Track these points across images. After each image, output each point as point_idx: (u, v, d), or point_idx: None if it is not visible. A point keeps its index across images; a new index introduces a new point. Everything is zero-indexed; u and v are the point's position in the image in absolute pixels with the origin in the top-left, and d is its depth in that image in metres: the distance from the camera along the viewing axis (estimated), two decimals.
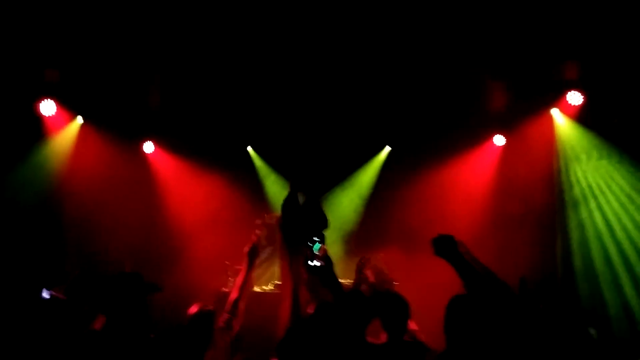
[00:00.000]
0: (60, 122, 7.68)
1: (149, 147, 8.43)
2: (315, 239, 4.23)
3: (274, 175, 8.84)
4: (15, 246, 6.83)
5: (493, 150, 8.39)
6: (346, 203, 8.75)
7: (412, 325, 3.98)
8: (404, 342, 3.64)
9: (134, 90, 7.62)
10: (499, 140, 8.32)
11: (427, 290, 6.04)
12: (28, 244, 7.02)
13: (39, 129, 7.50)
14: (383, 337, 3.66)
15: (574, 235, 7.66)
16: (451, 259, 2.99)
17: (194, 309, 3.87)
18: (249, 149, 8.88)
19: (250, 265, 4.27)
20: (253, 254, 4.26)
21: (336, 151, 8.37)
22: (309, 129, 8.21)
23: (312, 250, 3.71)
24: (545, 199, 7.88)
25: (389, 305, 3.70)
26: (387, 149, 8.80)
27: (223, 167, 8.29)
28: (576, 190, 7.74)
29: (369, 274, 4.75)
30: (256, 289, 6.95)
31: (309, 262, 3.62)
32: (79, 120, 7.84)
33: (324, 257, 3.66)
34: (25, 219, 7.20)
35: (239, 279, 4.17)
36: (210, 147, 8.29)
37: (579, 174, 7.77)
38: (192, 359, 3.37)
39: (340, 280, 6.73)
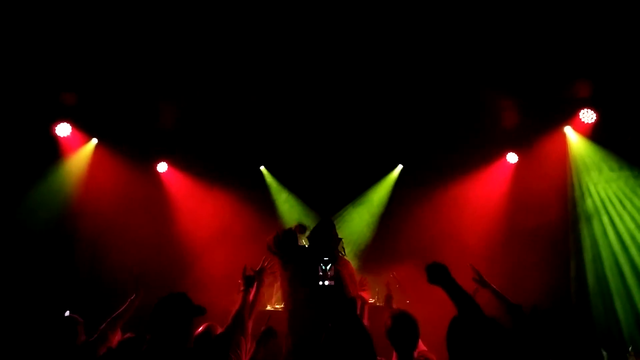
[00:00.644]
0: (75, 143, 7.83)
1: (162, 167, 8.52)
2: (326, 258, 4.24)
3: (286, 193, 8.88)
4: (30, 264, 6.92)
5: (506, 167, 8.37)
6: (358, 220, 8.76)
7: (422, 346, 3.98)
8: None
9: (148, 112, 7.74)
10: (512, 157, 8.30)
11: (439, 309, 6.00)
12: (42, 262, 7.12)
13: (55, 149, 7.64)
14: (393, 357, 3.67)
15: (587, 251, 7.59)
16: (445, 286, 3.02)
17: (201, 329, 3.90)
18: (262, 168, 8.93)
19: (259, 286, 4.29)
20: (258, 277, 4.28)
21: (348, 169, 8.39)
22: (321, 147, 8.25)
23: (324, 270, 3.71)
24: (558, 215, 7.83)
25: (399, 325, 3.70)
26: (400, 167, 8.81)
27: (235, 185, 8.36)
28: (589, 205, 7.69)
29: (365, 295, 4.76)
30: (269, 307, 6.94)
31: (320, 282, 3.62)
32: (94, 141, 7.98)
33: (335, 276, 3.67)
34: (40, 237, 7.30)
35: (248, 298, 4.18)
36: (222, 166, 8.36)
37: (592, 188, 7.72)
38: None
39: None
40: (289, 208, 8.86)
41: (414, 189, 8.33)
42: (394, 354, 3.73)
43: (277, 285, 7.26)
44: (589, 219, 7.70)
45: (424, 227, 8.09)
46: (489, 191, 8.34)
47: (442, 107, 7.66)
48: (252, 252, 7.59)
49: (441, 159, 8.18)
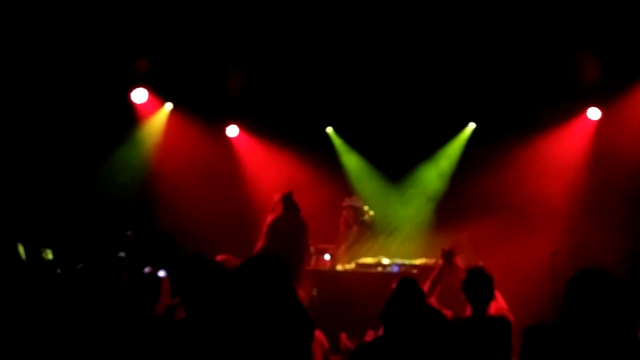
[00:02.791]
0: (151, 108, 8.09)
1: (232, 130, 8.67)
2: None
3: (355, 155, 8.85)
4: (114, 225, 7.28)
5: (587, 124, 7.97)
6: (431, 179, 8.61)
7: (502, 303, 3.94)
8: (489, 317, 3.63)
9: (218, 76, 7.87)
10: (594, 113, 7.88)
11: (513, 271, 5.88)
12: (125, 224, 7.47)
13: (132, 115, 7.92)
14: (467, 311, 3.68)
15: None
16: None
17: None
18: (329, 129, 8.92)
19: None
20: None
21: (418, 129, 8.22)
22: (389, 106, 8.11)
23: None
24: None
25: (473, 278, 3.70)
26: (472, 125, 8.56)
27: (304, 147, 8.39)
28: None
29: (459, 262, 4.72)
30: (339, 267, 7.01)
31: None
32: (169, 106, 8.21)
33: None
34: (123, 200, 7.67)
35: None
36: (290, 129, 8.40)
37: None
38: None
39: (422, 260, 6.75)
40: (358, 170, 8.83)
41: (488, 148, 8.07)
42: (468, 308, 3.73)
43: (345, 245, 7.35)
44: None
45: (498, 187, 7.85)
46: (568, 149, 7.96)
47: (517, 60, 7.34)
48: (321, 215, 7.71)
49: (516, 116, 7.86)
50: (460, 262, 4.77)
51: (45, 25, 6.50)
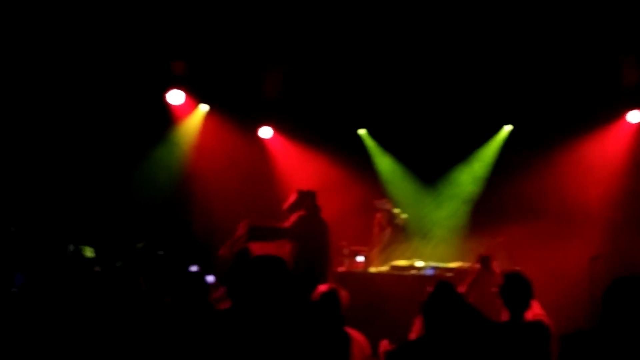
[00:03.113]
0: (187, 109, 8.20)
1: (266, 132, 8.75)
2: None
3: (388, 157, 8.82)
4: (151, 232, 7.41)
5: (627, 127, 7.77)
6: (466, 182, 8.51)
7: (538, 309, 3.89)
8: (527, 322, 3.58)
9: (252, 78, 7.94)
10: (634, 116, 7.68)
11: (550, 277, 5.77)
12: (163, 223, 7.60)
13: (168, 117, 8.06)
14: (504, 316, 3.63)
15: None
16: None
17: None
18: (362, 131, 8.91)
19: None
20: None
21: (453, 131, 8.15)
22: (424, 107, 8.05)
23: None
24: None
25: (511, 282, 3.68)
26: (508, 127, 8.45)
27: (337, 149, 8.40)
28: None
29: (496, 266, 4.67)
30: (372, 269, 7.00)
31: None
32: (204, 107, 8.32)
33: None
34: (159, 200, 7.80)
35: None
36: (324, 130, 8.42)
37: None
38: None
39: (457, 263, 6.70)
40: (391, 172, 8.79)
41: (525, 150, 7.95)
42: (505, 314, 3.68)
43: (379, 247, 7.33)
44: None
45: (535, 191, 7.73)
46: (608, 153, 7.78)
47: (554, 63, 7.21)
48: (353, 217, 7.71)
49: (554, 119, 7.73)
50: (497, 267, 4.73)
51: (83, 27, 6.63)
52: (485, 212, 8.10)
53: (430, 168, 8.46)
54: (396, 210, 7.49)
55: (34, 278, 4.93)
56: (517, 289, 3.64)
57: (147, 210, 7.65)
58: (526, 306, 3.64)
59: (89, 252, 5.29)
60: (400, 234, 7.40)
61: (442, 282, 3.46)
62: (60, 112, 7.33)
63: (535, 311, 3.81)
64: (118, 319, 3.32)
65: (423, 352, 2.58)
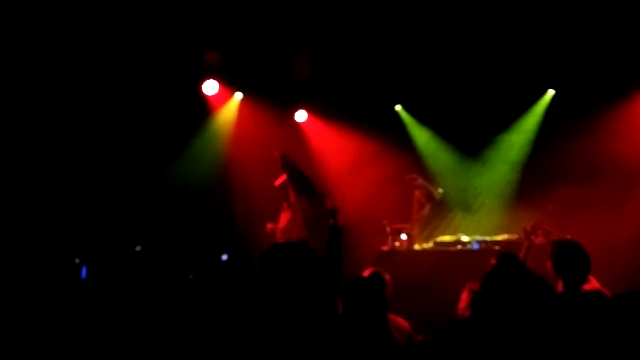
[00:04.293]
0: (222, 99, 8.23)
1: (301, 115, 8.70)
2: None
3: (425, 131, 8.67)
4: (193, 214, 7.51)
5: None
6: (511, 149, 8.30)
7: (595, 283, 3.74)
8: (585, 293, 3.45)
9: (284, 61, 7.87)
10: None
11: (602, 242, 5.56)
12: (204, 213, 7.70)
13: (204, 107, 8.10)
14: (559, 287, 3.52)
15: None
16: None
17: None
18: (398, 107, 8.77)
19: None
20: None
21: (493, 99, 7.92)
22: (462, 76, 7.83)
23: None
24: None
25: (567, 252, 3.56)
26: (551, 91, 8.17)
27: (371, 127, 8.30)
28: None
29: (543, 238, 4.53)
30: (416, 247, 6.92)
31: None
32: (239, 95, 8.33)
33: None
34: (201, 190, 7.87)
35: None
36: (357, 109, 8.33)
37: None
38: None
39: (504, 236, 6.56)
40: (433, 148, 8.65)
41: (570, 114, 7.66)
42: (560, 284, 3.55)
43: (420, 224, 7.24)
44: None
45: (582, 155, 7.45)
46: None
47: (598, 22, 6.88)
48: (394, 193, 7.63)
49: (597, 79, 7.41)
50: (545, 237, 4.58)
51: (116, 21, 6.68)
52: (532, 180, 7.88)
53: (471, 139, 8.27)
54: (431, 185, 7.40)
55: (99, 272, 5.08)
56: (575, 261, 3.51)
57: (187, 202, 7.71)
58: (585, 276, 3.51)
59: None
60: (440, 208, 7.30)
61: (506, 254, 3.40)
62: (99, 107, 7.39)
63: (592, 284, 3.65)
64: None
65: (489, 323, 2.50)
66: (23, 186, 6.69)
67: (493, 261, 3.43)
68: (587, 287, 3.53)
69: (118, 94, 7.38)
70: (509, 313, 2.45)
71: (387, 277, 4.14)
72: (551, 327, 2.50)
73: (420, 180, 7.33)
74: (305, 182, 6.77)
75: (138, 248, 5.44)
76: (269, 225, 7.02)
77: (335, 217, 3.76)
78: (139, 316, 3.47)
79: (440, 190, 7.39)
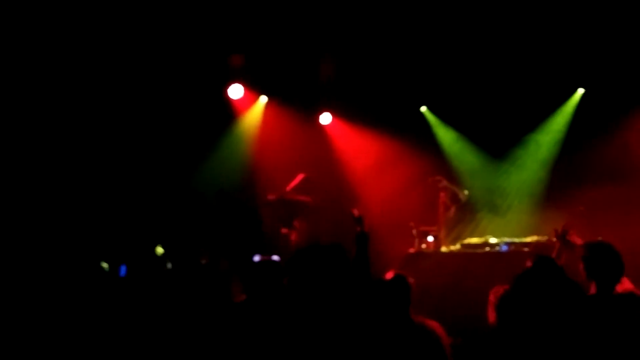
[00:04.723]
0: (247, 103, 8.29)
1: (325, 118, 8.71)
2: None
3: (451, 132, 8.59)
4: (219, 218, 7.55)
5: None
6: (540, 149, 8.20)
7: (627, 283, 3.66)
8: (618, 295, 3.37)
9: (308, 65, 7.90)
10: None
11: (633, 244, 5.43)
12: (229, 216, 7.73)
13: (229, 111, 8.15)
14: (592, 289, 3.45)
15: None
16: None
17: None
18: (423, 108, 8.71)
19: None
20: None
21: (521, 98, 7.82)
22: (489, 77, 7.75)
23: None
24: None
25: (599, 253, 3.50)
26: (581, 90, 8.03)
27: (395, 129, 8.26)
28: None
29: (575, 239, 4.44)
30: (444, 249, 6.86)
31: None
32: (264, 99, 8.37)
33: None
34: (226, 193, 7.91)
35: None
36: (383, 110, 8.30)
37: None
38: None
39: (533, 237, 6.46)
40: (457, 147, 8.58)
41: (601, 113, 7.52)
42: (593, 286, 3.48)
43: (446, 226, 7.18)
44: None
45: (612, 155, 7.31)
46: None
47: (625, 19, 6.76)
48: (420, 195, 7.57)
49: (627, 79, 7.26)
50: (577, 239, 4.49)
51: (143, 25, 6.77)
52: (561, 180, 7.76)
53: (497, 139, 8.17)
54: (457, 187, 7.34)
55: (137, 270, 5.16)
56: (608, 262, 3.44)
57: (214, 205, 7.77)
58: (619, 277, 3.44)
59: (159, 249, 5.46)
60: (466, 210, 7.23)
61: (543, 256, 3.36)
62: (125, 111, 7.49)
63: (625, 285, 3.58)
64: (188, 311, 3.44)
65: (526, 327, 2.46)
66: (62, 190, 6.86)
67: (529, 263, 3.38)
68: (619, 288, 3.46)
69: (147, 99, 7.48)
70: (542, 317, 2.40)
71: (411, 280, 4.09)
72: (586, 330, 2.45)
73: (445, 182, 7.27)
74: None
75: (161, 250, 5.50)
76: (284, 230, 7.07)
77: (362, 225, 3.76)
78: (173, 316, 3.51)
79: (466, 192, 7.32)
